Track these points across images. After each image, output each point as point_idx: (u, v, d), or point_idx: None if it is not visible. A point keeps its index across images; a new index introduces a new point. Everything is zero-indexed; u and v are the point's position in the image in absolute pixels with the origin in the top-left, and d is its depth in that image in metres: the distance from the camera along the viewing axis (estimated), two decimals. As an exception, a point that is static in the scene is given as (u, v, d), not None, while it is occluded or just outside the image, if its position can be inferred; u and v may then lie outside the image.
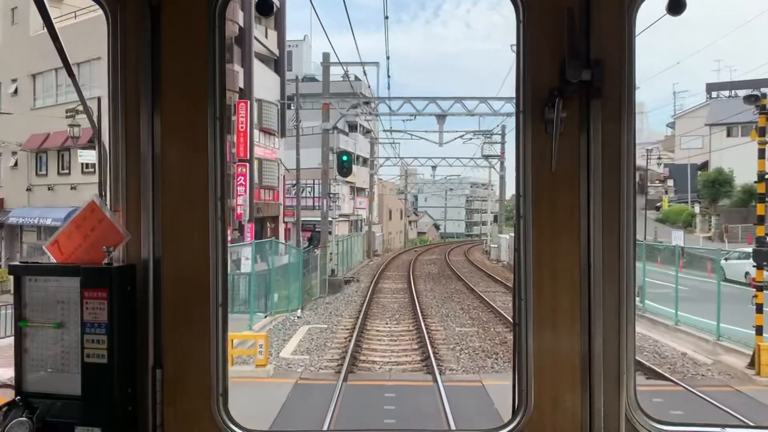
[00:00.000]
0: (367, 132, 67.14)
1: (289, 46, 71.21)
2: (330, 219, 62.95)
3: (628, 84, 2.35)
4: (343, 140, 69.19)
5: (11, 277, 2.54)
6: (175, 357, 2.44)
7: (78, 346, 2.33)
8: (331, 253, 32.72)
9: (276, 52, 43.30)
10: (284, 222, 49.44)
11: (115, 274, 2.34)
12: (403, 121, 34.85)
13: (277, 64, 45.07)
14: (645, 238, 46.05)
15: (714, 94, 75.80)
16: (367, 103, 59.26)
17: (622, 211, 2.36)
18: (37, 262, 2.46)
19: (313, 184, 68.65)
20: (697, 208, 59.89)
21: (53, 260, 2.45)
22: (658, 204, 66.57)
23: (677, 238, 36.17)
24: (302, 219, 53.35)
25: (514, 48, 2.50)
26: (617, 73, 2.33)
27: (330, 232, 58.27)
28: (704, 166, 67.67)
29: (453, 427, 10.38)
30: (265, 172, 40.75)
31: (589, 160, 2.35)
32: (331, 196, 34.92)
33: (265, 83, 38.83)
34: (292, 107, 38.80)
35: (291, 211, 50.49)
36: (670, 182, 75.26)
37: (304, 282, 28.40)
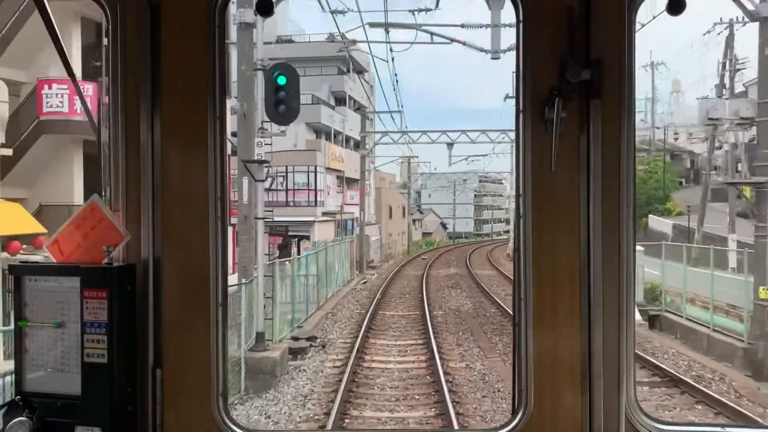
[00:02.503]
0: (358, 109, 49.07)
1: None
2: (313, 219, 44.93)
3: (628, 83, 2.33)
4: (326, 114, 50.06)
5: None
6: (175, 357, 2.41)
7: (78, 345, 2.30)
8: (266, 295, 14.32)
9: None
10: (231, 225, 29.23)
11: (115, 273, 2.32)
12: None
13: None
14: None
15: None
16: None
17: (621, 210, 2.33)
18: (37, 262, 2.48)
19: (286, 172, 48.22)
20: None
21: (53, 260, 2.42)
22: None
23: None
24: (269, 219, 37.74)
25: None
26: (617, 73, 2.31)
27: (298, 238, 40.02)
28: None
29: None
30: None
31: (589, 160, 2.32)
32: (261, 167, 16.02)
33: None
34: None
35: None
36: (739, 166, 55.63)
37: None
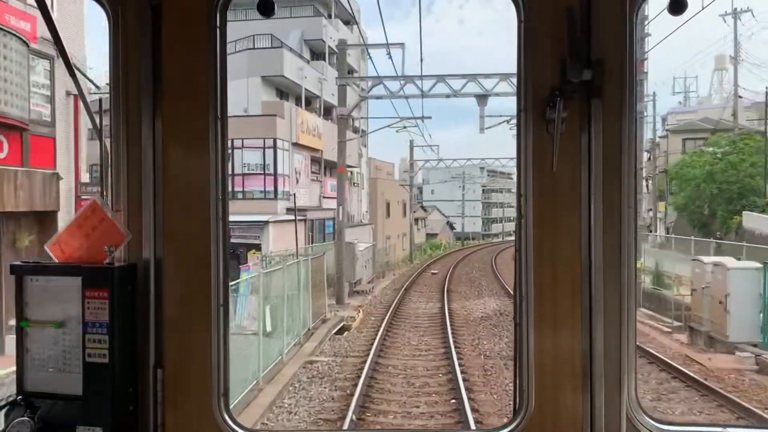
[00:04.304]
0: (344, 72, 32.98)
1: None
2: (266, 219, 29.60)
3: (629, 83, 2.31)
4: (293, 66, 33.62)
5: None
6: (176, 357, 2.40)
7: (79, 345, 2.29)
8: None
9: None
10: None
11: (116, 273, 2.31)
12: None
13: None
14: None
15: None
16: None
17: (623, 210, 2.31)
18: (39, 262, 2.43)
19: (232, 147, 29.74)
20: None
21: (55, 260, 2.40)
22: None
23: None
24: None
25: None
26: (618, 73, 2.29)
27: (245, 248, 25.82)
28: None
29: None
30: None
31: (590, 160, 2.30)
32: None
33: None
34: None
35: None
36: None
37: None
